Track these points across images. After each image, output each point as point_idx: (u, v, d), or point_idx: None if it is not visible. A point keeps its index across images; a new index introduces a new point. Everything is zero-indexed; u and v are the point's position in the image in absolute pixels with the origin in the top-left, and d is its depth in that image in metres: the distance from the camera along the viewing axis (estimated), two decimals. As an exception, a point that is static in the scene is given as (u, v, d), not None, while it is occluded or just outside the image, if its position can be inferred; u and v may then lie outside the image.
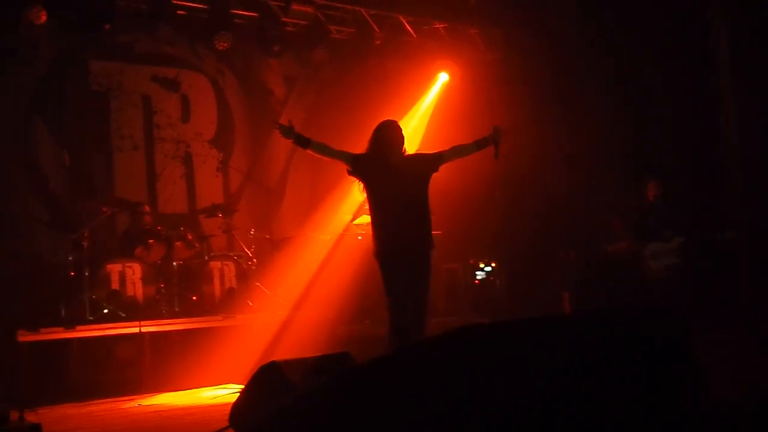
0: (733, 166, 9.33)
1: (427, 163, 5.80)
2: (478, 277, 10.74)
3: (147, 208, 9.20)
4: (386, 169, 5.66)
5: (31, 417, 5.15)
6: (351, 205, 9.66)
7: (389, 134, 5.70)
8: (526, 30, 11.05)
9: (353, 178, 5.84)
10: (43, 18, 8.86)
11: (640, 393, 2.63)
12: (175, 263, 8.72)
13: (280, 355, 7.62)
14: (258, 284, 8.94)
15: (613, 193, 10.39)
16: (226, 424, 4.99)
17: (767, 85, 8.97)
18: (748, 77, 9.13)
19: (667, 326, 2.84)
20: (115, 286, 8.27)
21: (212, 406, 6.66)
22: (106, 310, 8.17)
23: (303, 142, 5.87)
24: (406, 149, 5.80)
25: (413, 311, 5.62)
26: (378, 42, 11.20)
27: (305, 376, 4.40)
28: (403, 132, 5.79)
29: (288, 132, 5.85)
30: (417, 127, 11.24)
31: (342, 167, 5.88)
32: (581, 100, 10.52)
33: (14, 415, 5.03)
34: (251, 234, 9.35)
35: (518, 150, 10.40)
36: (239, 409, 4.40)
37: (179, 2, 9.88)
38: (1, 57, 9.22)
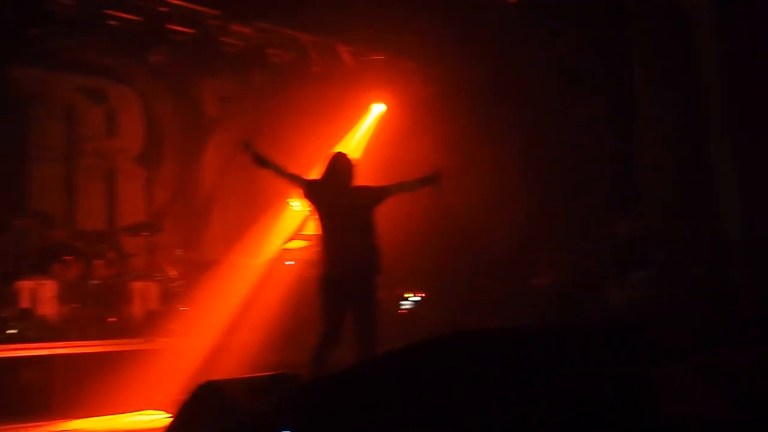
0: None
1: (373, 195, 6.11)
2: (405, 307, 10.58)
3: (65, 223, 8.69)
4: (337, 197, 5.99)
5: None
6: (281, 230, 9.43)
7: (342, 165, 6.08)
8: (465, 66, 11.07)
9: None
10: (-34, 16, 8.38)
11: (601, 405, 2.58)
12: (93, 282, 8.23)
13: (205, 380, 7.27)
14: (182, 307, 8.51)
15: (542, 227, 10.43)
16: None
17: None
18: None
19: (625, 343, 2.84)
20: (25, 304, 7.70)
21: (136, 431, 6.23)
22: (15, 330, 7.58)
23: (261, 161, 6.07)
24: (355, 181, 6.12)
25: (364, 338, 5.82)
26: (315, 69, 11.08)
27: (246, 394, 4.08)
28: (354, 164, 6.14)
29: (249, 148, 6.07)
30: (351, 155, 11.08)
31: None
32: (522, 135, 10.59)
33: None
34: (178, 254, 8.95)
35: (450, 184, 10.40)
36: (176, 429, 4.04)
37: (112, 12, 9.49)
38: None
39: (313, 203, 6.08)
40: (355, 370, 2.68)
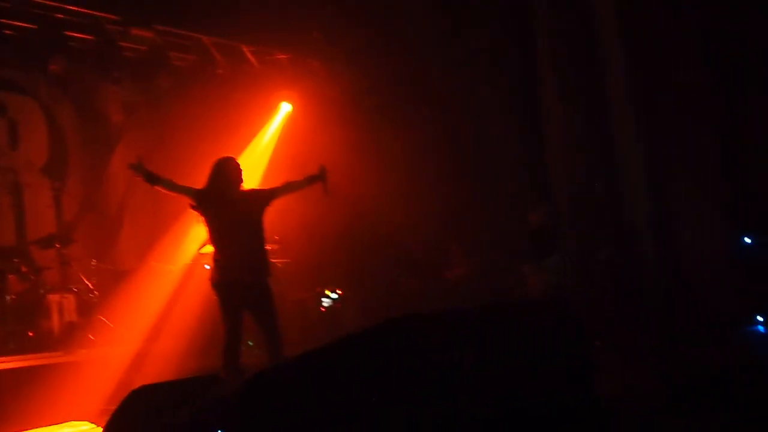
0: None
1: (262, 198, 6.30)
2: (325, 305, 10.76)
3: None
4: (225, 203, 6.07)
5: None
6: (195, 234, 9.46)
7: (228, 170, 6.18)
8: (371, 62, 11.30)
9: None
10: None
11: (545, 383, 2.77)
12: (8, 297, 8.14)
13: (128, 388, 7.31)
14: (101, 317, 8.50)
15: (456, 220, 10.77)
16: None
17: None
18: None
19: (565, 319, 3.02)
20: (-60, 322, 7.60)
21: (62, 444, 6.23)
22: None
23: (152, 179, 6.10)
24: (243, 184, 6.26)
25: (270, 340, 6.07)
26: (220, 71, 11.12)
27: (175, 399, 4.22)
28: (241, 167, 6.27)
29: (138, 169, 6.08)
30: (260, 156, 11.23)
31: (184, 200, 6.22)
32: (424, 132, 10.87)
33: None
34: (92, 265, 8.91)
35: (361, 181, 10.66)
36: (108, 436, 4.15)
37: (7, 21, 9.32)
38: None
39: (202, 211, 6.12)
40: (294, 365, 2.81)
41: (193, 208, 6.13)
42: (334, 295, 10.82)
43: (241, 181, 6.23)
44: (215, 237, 6.16)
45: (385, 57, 11.19)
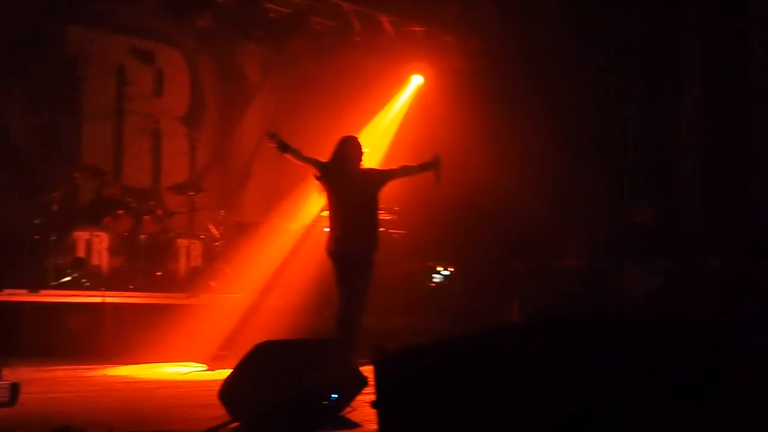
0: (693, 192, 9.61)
1: (378, 178, 6.65)
2: (435, 280, 10.91)
3: (119, 178, 9.12)
4: (345, 180, 6.44)
5: (8, 374, 5.08)
6: (317, 197, 9.74)
7: (350, 148, 6.51)
8: (506, 43, 11.25)
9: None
10: (26, -24, 8.72)
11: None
12: (142, 237, 8.66)
13: (244, 338, 7.70)
14: (223, 266, 8.93)
15: (580, 210, 10.66)
16: (201, 401, 5.06)
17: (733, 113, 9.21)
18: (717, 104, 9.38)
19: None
20: (80, 253, 8.18)
21: (179, 381, 6.66)
22: (69, 277, 8.06)
23: (283, 147, 6.46)
24: (364, 162, 6.59)
25: (357, 305, 6.42)
26: (357, 38, 11.29)
27: (295, 359, 4.45)
28: (362, 147, 6.58)
29: (273, 137, 6.48)
30: (387, 126, 11.39)
31: (309, 168, 6.57)
32: (555, 117, 10.77)
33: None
34: (220, 215, 9.33)
35: (481, 160, 10.69)
36: (232, 386, 4.42)
37: (164, -24, 9.82)
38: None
39: (324, 184, 6.49)
40: (443, 348, 2.83)
41: (317, 178, 6.50)
42: (445, 272, 10.95)
43: (361, 160, 6.54)
44: (333, 210, 6.52)
45: (517, 39, 11.11)
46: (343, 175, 6.43)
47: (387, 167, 7.03)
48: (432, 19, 11.67)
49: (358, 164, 6.53)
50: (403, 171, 6.73)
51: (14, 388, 4.88)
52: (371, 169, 6.73)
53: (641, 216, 9.42)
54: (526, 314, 10.46)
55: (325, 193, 6.56)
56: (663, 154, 9.83)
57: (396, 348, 3.04)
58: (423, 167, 6.63)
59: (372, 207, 6.59)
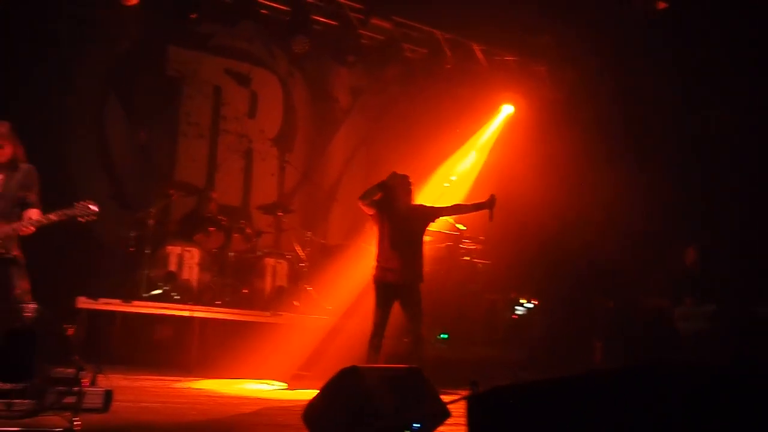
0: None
1: (427, 216, 6.99)
2: (517, 312, 10.81)
3: (214, 196, 9.35)
4: (394, 215, 6.78)
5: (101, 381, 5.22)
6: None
7: (401, 187, 6.82)
8: (599, 75, 11.11)
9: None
10: (135, 0, 9.07)
11: None
12: (231, 254, 8.85)
13: (325, 360, 7.79)
14: (307, 286, 9.05)
15: (661, 249, 10.42)
16: (283, 420, 5.12)
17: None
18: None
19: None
20: (172, 267, 8.41)
21: (261, 399, 6.75)
22: (160, 290, 8.30)
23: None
24: (413, 201, 6.95)
25: (414, 339, 6.83)
26: (448, 66, 11.34)
27: (380, 388, 4.46)
28: (412, 186, 6.92)
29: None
30: (477, 155, 11.39)
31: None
32: (644, 152, 10.58)
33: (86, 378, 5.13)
34: (307, 236, 9.46)
35: (569, 191, 10.57)
36: (317, 409, 4.46)
37: (263, 1, 10.08)
38: (88, 30, 9.41)
39: (378, 216, 6.83)
40: (539, 388, 2.79)
41: (372, 212, 6.84)
42: (528, 305, 10.84)
43: (410, 196, 6.88)
44: (381, 240, 6.86)
45: (610, 69, 10.96)
46: (393, 210, 6.77)
47: (438, 205, 7.34)
48: (524, 48, 11.64)
49: (407, 201, 6.85)
50: (455, 209, 7.13)
51: (108, 396, 5.01)
52: (420, 206, 7.03)
53: (689, 256, 9.29)
54: (610, 353, 10.29)
55: (376, 223, 6.91)
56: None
57: (487, 384, 3.02)
58: (477, 206, 6.91)
59: (417, 242, 6.90)
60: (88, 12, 9.29)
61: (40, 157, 8.16)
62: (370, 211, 6.82)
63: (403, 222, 6.77)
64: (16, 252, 5.60)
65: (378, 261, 6.86)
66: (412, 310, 6.77)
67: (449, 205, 7.15)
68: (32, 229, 5.57)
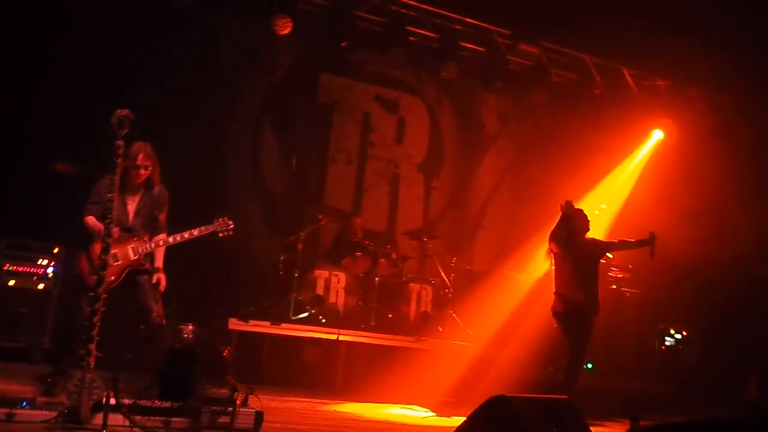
0: None
1: (600, 249, 7.38)
2: (667, 343, 10.40)
3: (357, 221, 9.53)
4: (572, 247, 7.06)
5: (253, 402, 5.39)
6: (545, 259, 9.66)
7: (578, 219, 7.13)
8: (752, 99, 10.59)
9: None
10: (288, 29, 9.44)
11: None
12: (377, 279, 8.97)
13: (471, 387, 7.74)
14: (452, 313, 9.05)
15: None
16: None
17: None
18: None
19: None
20: (320, 291, 8.62)
21: (407, 425, 6.76)
22: (307, 313, 8.52)
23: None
24: (589, 233, 7.22)
25: (570, 369, 6.96)
26: (597, 91, 11.12)
27: (534, 418, 4.40)
28: (588, 219, 7.21)
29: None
30: (626, 181, 11.08)
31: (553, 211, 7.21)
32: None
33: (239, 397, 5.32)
34: (452, 262, 9.46)
35: (726, 223, 10.10)
36: (466, 435, 4.46)
37: (412, 29, 10.22)
38: (244, 59, 9.87)
39: (559, 249, 7.08)
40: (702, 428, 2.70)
41: (555, 245, 7.08)
42: (678, 335, 10.42)
43: (588, 229, 7.16)
44: (560, 273, 7.13)
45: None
46: (571, 242, 7.04)
47: (608, 240, 7.65)
48: (676, 72, 11.24)
49: (585, 234, 7.15)
50: (621, 245, 7.32)
51: (259, 417, 5.20)
52: (594, 240, 7.31)
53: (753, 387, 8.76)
54: (762, 390, 9.81)
55: (553, 256, 7.18)
56: None
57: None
58: (640, 243, 7.13)
59: (593, 273, 7.18)
60: (249, 41, 9.75)
61: (199, 177, 8.71)
62: (556, 249, 7.09)
63: (580, 256, 7.06)
64: (149, 266, 5.90)
65: (558, 293, 7.12)
66: (579, 341, 6.97)
67: (616, 240, 7.41)
68: (170, 242, 5.89)
